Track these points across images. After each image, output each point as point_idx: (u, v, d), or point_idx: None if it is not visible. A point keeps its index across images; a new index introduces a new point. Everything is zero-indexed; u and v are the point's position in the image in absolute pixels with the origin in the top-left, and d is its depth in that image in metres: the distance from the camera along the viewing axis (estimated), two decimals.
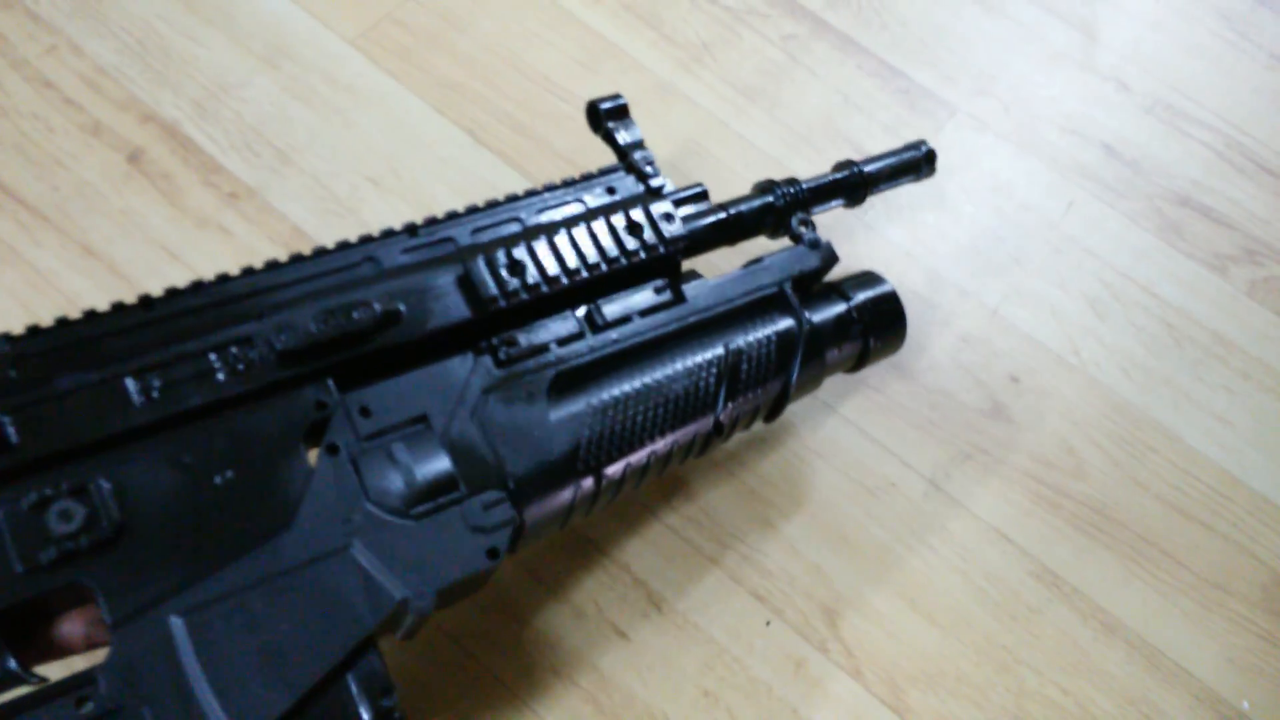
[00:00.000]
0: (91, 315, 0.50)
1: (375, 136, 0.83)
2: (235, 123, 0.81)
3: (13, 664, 0.45)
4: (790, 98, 0.89)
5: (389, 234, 0.57)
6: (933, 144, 0.89)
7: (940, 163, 0.88)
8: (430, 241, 0.57)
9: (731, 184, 0.84)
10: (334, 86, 0.84)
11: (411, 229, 0.57)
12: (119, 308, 0.50)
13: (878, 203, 0.85)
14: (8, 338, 0.48)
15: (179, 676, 0.44)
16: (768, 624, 0.68)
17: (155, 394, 0.48)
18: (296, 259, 0.54)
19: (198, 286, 0.52)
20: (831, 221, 0.84)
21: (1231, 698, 0.68)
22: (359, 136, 0.83)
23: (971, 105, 0.91)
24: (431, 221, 0.58)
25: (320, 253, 0.55)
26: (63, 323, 0.49)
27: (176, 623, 0.45)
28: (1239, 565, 0.73)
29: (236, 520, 0.48)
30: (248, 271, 0.53)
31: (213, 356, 0.50)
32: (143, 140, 0.80)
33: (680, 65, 0.90)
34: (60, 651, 0.47)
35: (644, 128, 0.88)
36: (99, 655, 0.45)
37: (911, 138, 0.88)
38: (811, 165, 0.86)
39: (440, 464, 0.52)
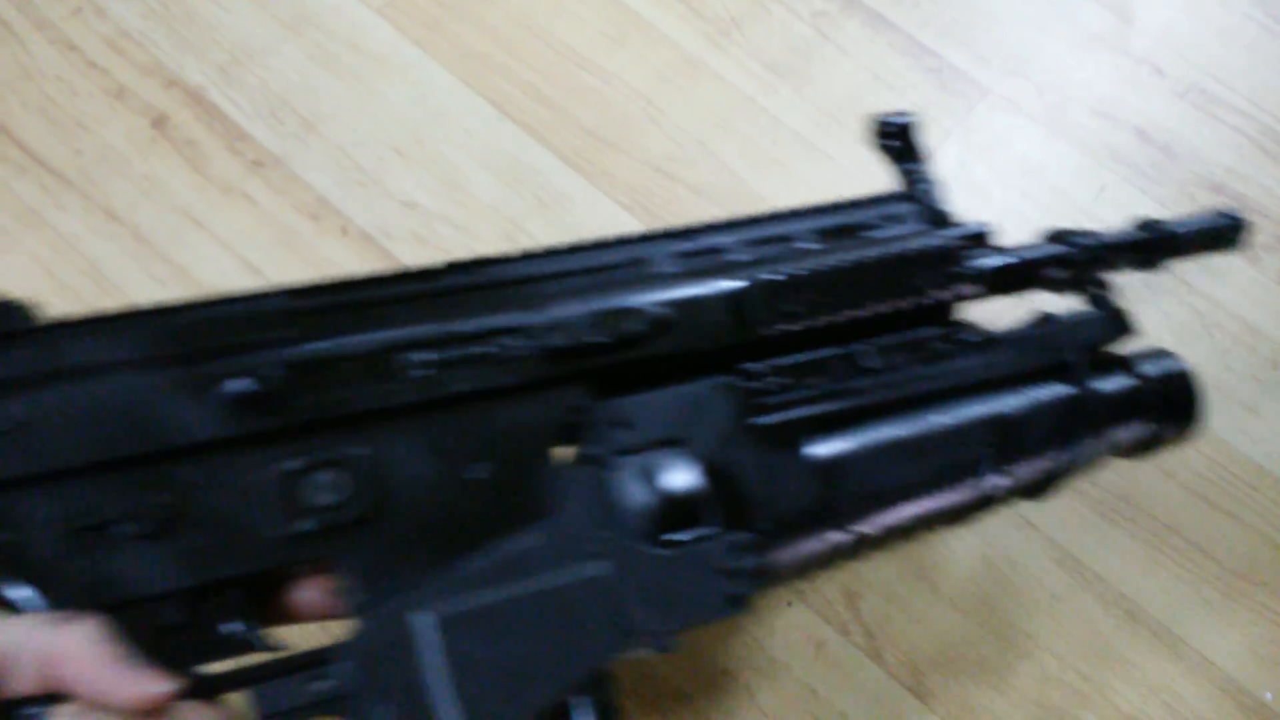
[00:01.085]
0: (370, 279, 0.48)
1: (400, 106, 0.82)
2: (260, 90, 0.81)
3: (252, 632, 0.44)
4: (819, 75, 0.88)
5: (660, 235, 0.54)
6: (963, 125, 0.88)
7: (970, 144, 0.87)
8: (700, 250, 0.54)
9: (759, 161, 0.83)
10: (360, 55, 0.83)
11: (683, 232, 0.54)
12: (401, 275, 0.49)
13: None
14: (290, 292, 0.47)
15: (418, 675, 0.43)
16: (789, 605, 0.68)
17: (427, 372, 0.47)
18: (567, 249, 0.52)
19: (473, 264, 0.50)
20: None
21: (1254, 688, 0.68)
22: (384, 106, 0.82)
23: (1003, 86, 0.89)
24: (698, 228, 0.55)
25: (590, 246, 0.52)
26: (343, 283, 0.48)
27: (424, 619, 0.43)
28: (1265, 555, 0.73)
29: (486, 520, 0.46)
30: (524, 256, 0.51)
31: (479, 346, 0.48)
32: (167, 105, 0.79)
33: (709, 40, 0.89)
34: (292, 618, 0.47)
35: (670, 103, 0.87)
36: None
37: (942, 118, 0.87)
38: (840, 144, 0.85)
39: (695, 491, 0.48)
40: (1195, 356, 0.80)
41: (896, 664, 0.67)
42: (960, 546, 0.71)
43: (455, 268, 0.49)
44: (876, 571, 0.69)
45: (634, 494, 0.47)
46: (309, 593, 0.47)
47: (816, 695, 0.65)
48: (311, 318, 0.46)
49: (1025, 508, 0.72)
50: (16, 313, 0.44)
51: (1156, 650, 0.69)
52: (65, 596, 0.41)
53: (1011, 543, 0.71)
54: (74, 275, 0.73)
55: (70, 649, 0.40)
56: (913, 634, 0.68)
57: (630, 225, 0.80)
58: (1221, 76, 0.93)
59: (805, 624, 0.68)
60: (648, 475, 0.48)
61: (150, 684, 0.40)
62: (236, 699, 0.43)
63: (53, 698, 0.39)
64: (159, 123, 0.79)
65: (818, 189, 0.83)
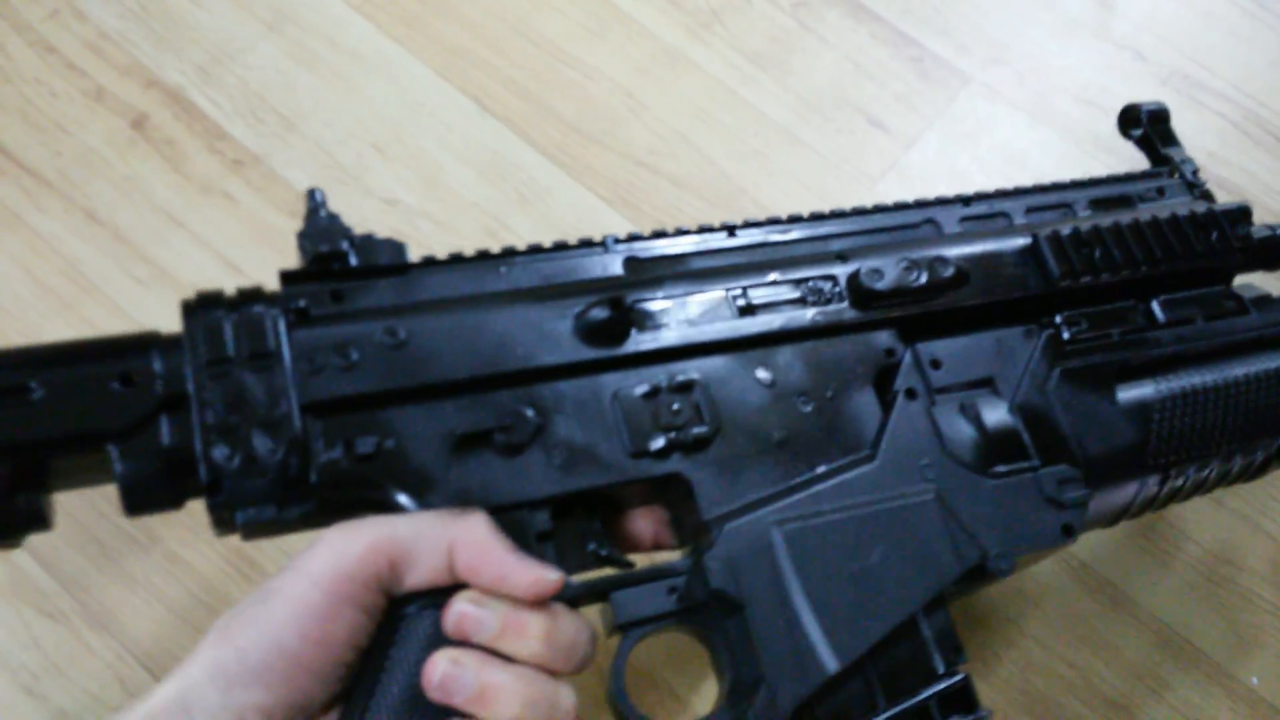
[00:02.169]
0: (683, 231, 0.54)
1: (380, 103, 0.82)
2: (239, 89, 0.81)
3: (608, 544, 0.48)
4: (801, 66, 0.88)
5: (943, 201, 0.59)
6: (945, 114, 0.88)
7: (953, 133, 0.87)
8: (986, 214, 0.59)
9: (741, 153, 0.83)
10: (339, 52, 0.83)
11: (965, 199, 0.59)
12: (705, 228, 0.55)
13: (885, 174, 0.84)
14: (616, 239, 0.53)
15: (778, 582, 0.46)
16: None
17: (749, 312, 0.52)
18: (860, 211, 0.57)
19: (774, 221, 0.56)
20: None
21: (1239, 673, 0.68)
22: (364, 103, 0.82)
23: (985, 74, 0.89)
24: (981, 196, 0.59)
25: (882, 209, 0.57)
26: (658, 233, 0.54)
27: (775, 531, 0.47)
28: (1248, 541, 0.73)
29: (817, 445, 0.50)
30: (816, 216, 0.56)
31: (801, 288, 0.53)
32: (146, 106, 0.79)
33: (689, 32, 0.89)
34: (626, 547, 0.51)
35: (652, 96, 0.87)
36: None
37: (924, 107, 0.87)
38: (821, 135, 0.85)
39: (1012, 426, 0.52)
40: None
41: None
42: None
43: (754, 223, 0.55)
44: None
45: (959, 428, 0.52)
46: (643, 523, 0.51)
47: None
48: (639, 263, 0.53)
49: None
50: (399, 250, 0.49)
51: (1141, 636, 0.69)
52: (440, 502, 0.45)
53: None
54: (54, 276, 0.73)
55: (467, 537, 0.42)
56: None
57: (612, 219, 0.80)
58: (1204, 62, 0.93)
59: None
60: (968, 411, 0.52)
61: (544, 571, 0.42)
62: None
63: (448, 591, 0.42)
64: (138, 123, 0.78)
65: (801, 180, 0.83)
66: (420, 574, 0.42)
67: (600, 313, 0.48)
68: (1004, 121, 0.88)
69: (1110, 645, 0.68)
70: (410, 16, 0.86)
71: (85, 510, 0.66)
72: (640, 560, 0.49)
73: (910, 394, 0.52)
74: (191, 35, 0.82)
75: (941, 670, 0.47)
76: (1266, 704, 0.67)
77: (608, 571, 0.48)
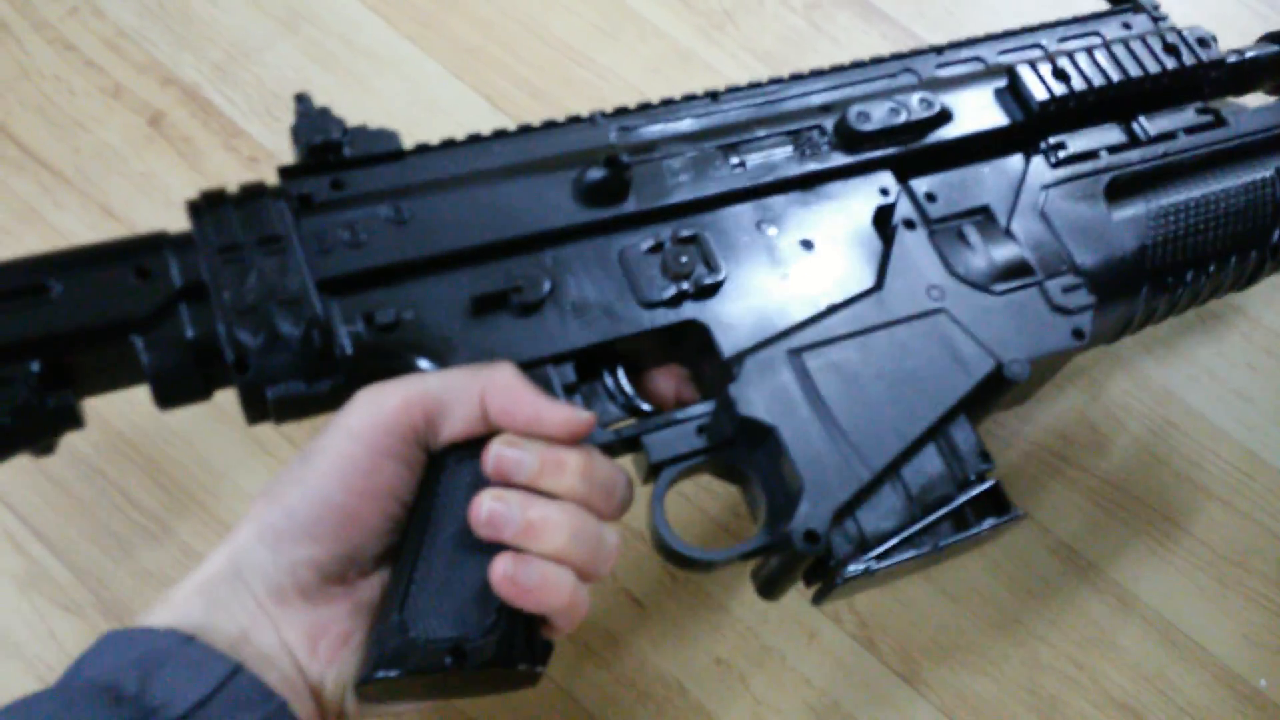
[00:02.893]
0: (670, 101, 0.57)
1: (394, 101, 0.82)
2: (255, 86, 0.81)
3: (628, 399, 0.51)
4: (812, 66, 0.88)
5: (918, 52, 0.62)
6: None
7: None
8: (960, 59, 0.62)
9: None
10: (353, 51, 0.84)
11: (938, 49, 0.62)
12: (690, 96, 0.57)
13: None
14: (611, 114, 0.55)
15: (803, 404, 0.49)
16: None
17: (743, 166, 0.54)
18: (838, 68, 0.60)
19: (756, 86, 0.59)
20: None
21: (1248, 675, 0.68)
22: (378, 101, 0.82)
23: None
24: (954, 44, 0.63)
25: (858, 65, 0.61)
26: (645, 105, 0.56)
27: (794, 358, 0.50)
28: (1258, 542, 0.73)
29: (823, 283, 0.53)
30: (798, 76, 0.60)
31: (790, 141, 0.56)
32: (164, 103, 0.80)
33: (701, 32, 0.89)
34: (652, 404, 0.53)
35: (662, 95, 0.87)
36: None
37: None
38: None
39: (1012, 247, 0.56)
40: (1189, 344, 0.80)
41: (890, 652, 0.67)
42: None
43: (736, 90, 0.59)
44: None
45: (961, 252, 0.55)
46: (664, 381, 0.54)
47: (810, 684, 0.66)
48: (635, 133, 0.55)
49: (1018, 499, 0.72)
50: (391, 138, 0.52)
51: (1150, 637, 0.69)
52: (464, 364, 0.47)
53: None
54: None
55: (497, 383, 0.44)
56: (905, 622, 0.68)
57: None
58: None
59: (799, 613, 0.68)
60: (968, 236, 0.55)
61: (575, 410, 0.44)
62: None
63: (484, 441, 0.44)
64: (155, 120, 0.79)
65: None
66: (455, 425, 0.44)
67: (597, 173, 0.50)
68: None
69: (1118, 646, 0.68)
70: (424, 15, 0.86)
71: (100, 503, 0.67)
72: None
73: (909, 224, 0.55)
74: (208, 34, 0.83)
75: (972, 478, 0.50)
76: (1275, 706, 0.67)
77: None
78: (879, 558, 0.48)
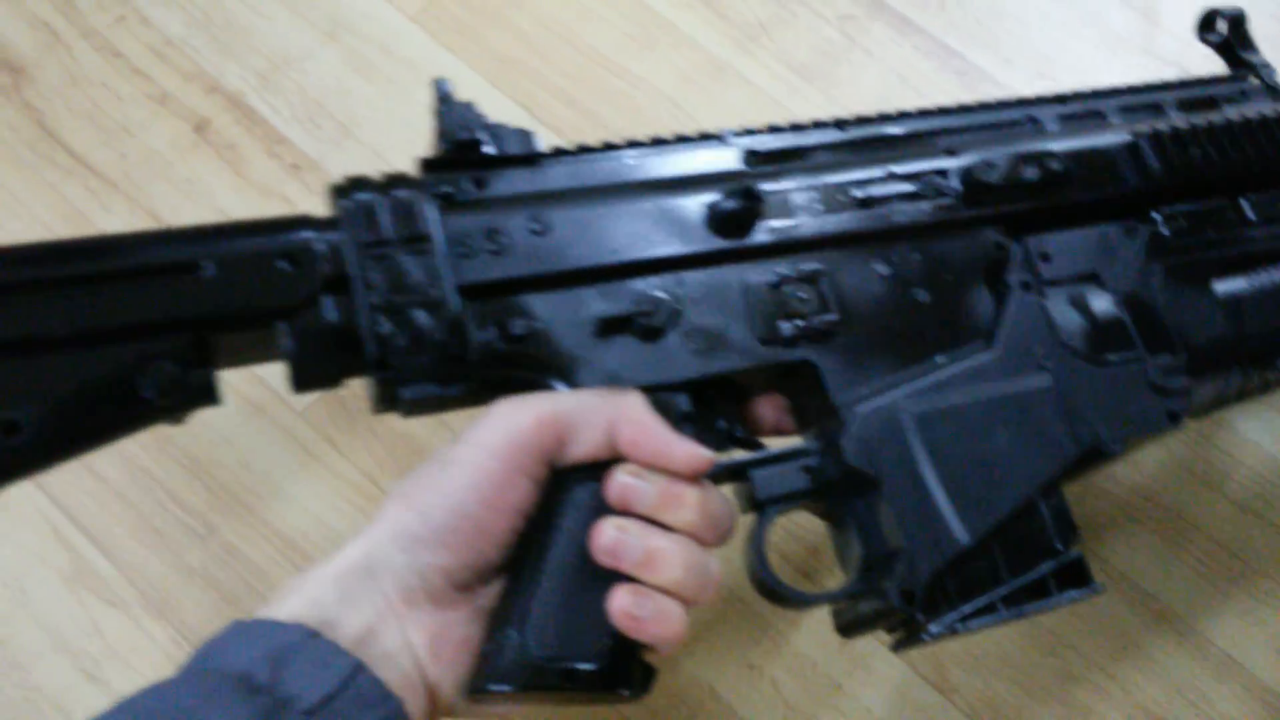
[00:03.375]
0: (798, 126, 0.56)
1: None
2: (298, 95, 0.83)
3: (741, 427, 0.52)
4: (846, 78, 0.89)
5: (1041, 100, 0.61)
6: None
7: None
8: (1082, 111, 0.61)
9: None
10: (393, 60, 0.85)
11: (1061, 98, 0.62)
12: (819, 123, 0.57)
13: None
14: (734, 133, 0.55)
15: (910, 461, 0.50)
16: None
17: (866, 207, 0.54)
18: (964, 108, 0.60)
19: (884, 117, 0.58)
20: None
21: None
22: (417, 110, 0.83)
23: (1030, 88, 0.89)
24: (1077, 95, 0.62)
25: (984, 106, 0.60)
26: (775, 128, 0.56)
27: (905, 413, 0.50)
28: None
29: (936, 335, 0.53)
30: (923, 113, 0.59)
31: (915, 182, 0.55)
32: (209, 110, 0.81)
33: (735, 44, 0.90)
34: (749, 432, 0.53)
35: (698, 107, 0.89)
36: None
37: None
38: None
39: (1120, 319, 0.55)
40: None
41: (921, 659, 0.67)
42: None
43: (864, 120, 0.58)
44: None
45: (1070, 318, 0.55)
46: (765, 409, 0.54)
47: (841, 690, 0.66)
48: (760, 158, 0.55)
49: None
50: (528, 139, 0.52)
51: (1182, 649, 0.69)
52: (588, 384, 0.48)
53: None
54: None
55: (628, 414, 0.46)
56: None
57: None
58: None
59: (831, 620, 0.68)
60: (1078, 302, 0.55)
61: (699, 448, 0.45)
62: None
63: (605, 465, 0.45)
64: (201, 127, 0.81)
65: None
66: (582, 448, 0.45)
67: (730, 203, 0.50)
68: None
69: (1151, 658, 0.69)
70: (462, 26, 0.88)
71: (146, 501, 0.69)
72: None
73: (1025, 286, 0.54)
74: (252, 43, 0.85)
75: (1059, 547, 0.50)
76: None
77: (739, 453, 0.51)
78: (964, 618, 0.49)
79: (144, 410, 0.43)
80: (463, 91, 0.85)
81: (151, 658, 0.65)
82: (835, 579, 0.69)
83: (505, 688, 0.42)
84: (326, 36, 0.86)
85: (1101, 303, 0.55)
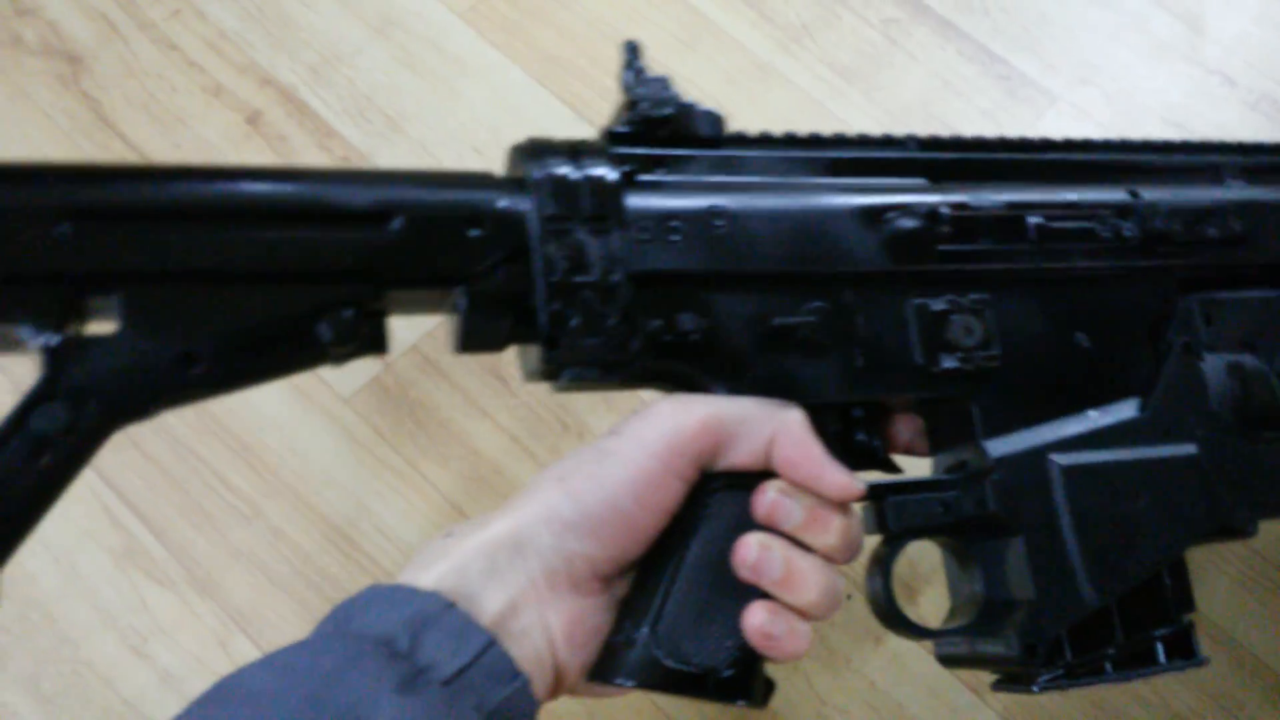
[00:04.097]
0: (982, 142, 0.53)
1: (480, 107, 0.85)
2: (348, 89, 0.84)
3: (884, 451, 0.51)
4: (889, 81, 0.89)
5: (1224, 147, 0.58)
6: (1031, 131, 0.89)
7: None
8: (1268, 166, 0.57)
9: None
10: (442, 57, 0.87)
11: (1244, 148, 0.58)
12: (1006, 141, 0.54)
13: None
14: (920, 142, 0.52)
15: (1051, 514, 0.48)
16: (849, 598, 0.69)
17: (1044, 239, 0.51)
18: (1149, 145, 0.56)
19: (1069, 144, 0.55)
20: None
21: None
22: (465, 106, 0.85)
23: (1073, 94, 0.90)
24: (1261, 148, 0.58)
25: (1169, 146, 0.56)
26: (959, 141, 0.53)
27: (1052, 465, 0.48)
28: None
29: (1092, 386, 0.51)
30: (1108, 145, 0.56)
31: (1094, 222, 0.52)
32: (261, 103, 0.83)
33: (779, 45, 0.91)
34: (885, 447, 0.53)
35: (740, 107, 0.89)
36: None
37: (1010, 125, 0.88)
38: None
39: (1270, 393, 0.52)
40: None
41: None
42: None
43: (1051, 144, 0.54)
44: (936, 568, 0.70)
45: (1225, 387, 0.52)
46: (902, 428, 0.53)
47: (875, 687, 0.67)
48: (943, 170, 0.52)
49: None
50: (717, 122, 0.49)
51: (1217, 656, 0.69)
52: (747, 390, 0.46)
53: None
54: None
55: (790, 431, 0.45)
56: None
57: None
58: None
59: (866, 617, 0.68)
60: (1235, 372, 0.52)
61: (852, 479, 0.45)
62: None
63: (752, 475, 0.45)
64: (253, 119, 0.82)
65: None
66: (737, 456, 0.45)
67: (910, 223, 0.48)
68: None
69: None
70: (510, 24, 0.89)
71: (194, 482, 0.70)
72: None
73: (1188, 348, 0.52)
74: (304, 37, 0.86)
75: (1175, 616, 0.50)
76: None
77: (876, 473, 0.50)
78: (1073, 676, 0.48)
79: (315, 353, 0.42)
80: (509, 89, 0.87)
81: (198, 635, 0.67)
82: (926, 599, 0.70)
83: (630, 682, 0.43)
84: (377, 32, 0.87)
85: (1259, 375, 0.53)
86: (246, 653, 0.66)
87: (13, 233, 0.37)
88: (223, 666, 0.66)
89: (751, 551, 0.43)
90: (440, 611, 0.39)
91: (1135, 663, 0.49)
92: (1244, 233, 0.53)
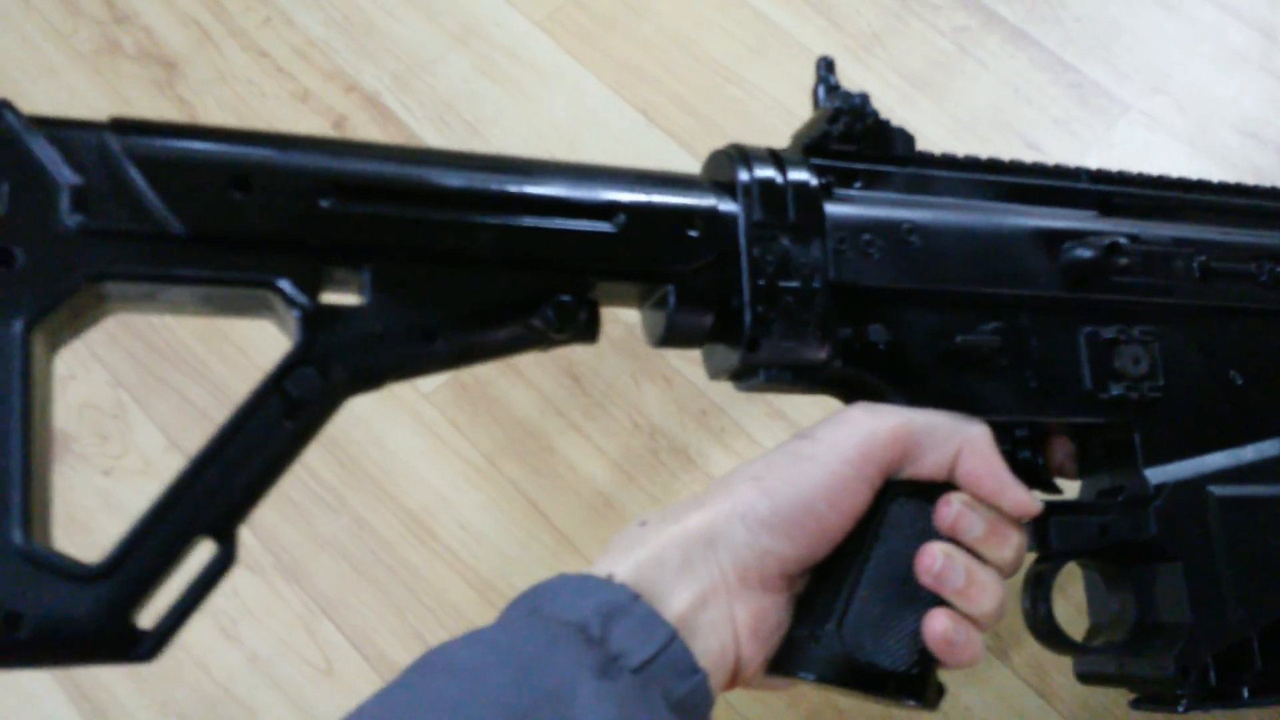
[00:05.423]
0: (1155, 180, 0.55)
1: (556, 113, 0.87)
2: (429, 95, 0.87)
3: (1042, 469, 0.52)
4: (959, 89, 0.90)
5: None
6: (1103, 140, 0.89)
7: (1111, 159, 0.88)
8: None
9: None
10: (519, 64, 0.89)
11: None
12: (1169, 181, 0.56)
13: None
14: (1091, 175, 0.54)
15: (1209, 542, 0.50)
16: None
17: (1207, 277, 0.53)
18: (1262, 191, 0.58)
19: (1233, 188, 0.57)
20: None
21: None
22: (541, 113, 0.87)
23: (1145, 103, 0.90)
24: None
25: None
26: (1132, 177, 0.55)
27: (1213, 496, 0.50)
28: None
29: (1243, 422, 0.53)
30: (1271, 191, 0.58)
31: (1256, 264, 0.54)
32: (346, 108, 0.86)
33: (850, 53, 0.92)
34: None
35: (810, 113, 0.90)
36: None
37: (1082, 133, 0.88)
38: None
39: None
40: None
41: (1023, 664, 0.68)
42: None
43: (1210, 185, 0.57)
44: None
45: None
46: (1057, 450, 0.54)
47: (971, 713, 0.67)
48: (1113, 203, 0.54)
49: None
50: (909, 141, 0.51)
51: None
52: (926, 403, 0.48)
53: None
54: None
55: (977, 446, 0.46)
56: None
57: None
58: None
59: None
60: None
61: (1031, 497, 0.47)
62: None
63: (932, 486, 0.46)
64: (339, 124, 0.85)
65: None
66: (922, 466, 0.46)
67: (1087, 253, 0.50)
68: (1163, 150, 0.88)
69: None
70: (585, 32, 0.91)
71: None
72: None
73: None
74: (387, 45, 0.89)
75: None
76: None
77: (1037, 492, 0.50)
78: (1215, 699, 0.50)
79: (536, 336, 0.44)
80: (584, 96, 0.89)
81: (284, 619, 0.69)
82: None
83: (811, 676, 0.44)
84: (457, 41, 0.90)
85: None
86: (330, 637, 0.69)
87: (283, 200, 0.39)
88: (308, 650, 0.68)
89: (936, 560, 0.45)
90: (628, 603, 0.40)
91: (1270, 689, 0.51)
92: None
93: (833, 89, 0.51)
